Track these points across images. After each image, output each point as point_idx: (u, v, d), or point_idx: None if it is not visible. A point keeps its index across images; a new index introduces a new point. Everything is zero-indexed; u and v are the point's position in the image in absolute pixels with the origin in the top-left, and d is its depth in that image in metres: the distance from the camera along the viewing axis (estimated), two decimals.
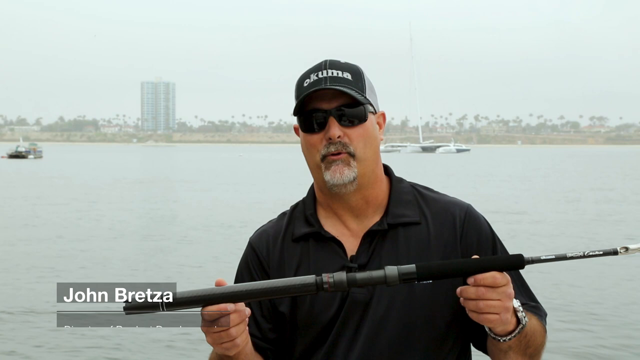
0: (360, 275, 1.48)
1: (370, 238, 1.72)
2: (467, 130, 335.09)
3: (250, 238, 1.84)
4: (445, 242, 1.71)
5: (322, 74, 1.69)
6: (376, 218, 1.74)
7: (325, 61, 1.72)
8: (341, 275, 1.47)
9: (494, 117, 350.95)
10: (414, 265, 1.48)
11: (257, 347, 1.71)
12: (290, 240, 1.78)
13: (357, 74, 1.71)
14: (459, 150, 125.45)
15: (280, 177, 43.46)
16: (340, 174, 1.67)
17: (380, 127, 1.77)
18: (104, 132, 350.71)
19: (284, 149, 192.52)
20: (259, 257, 1.79)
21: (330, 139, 1.66)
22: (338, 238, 1.73)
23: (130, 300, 1.48)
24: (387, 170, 1.82)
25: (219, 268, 12.65)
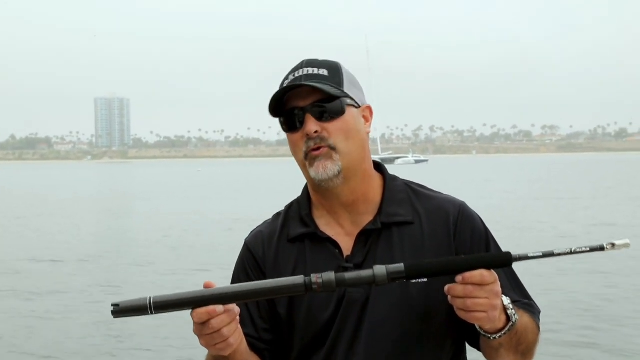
0: (349, 275, 1.48)
1: (365, 237, 1.72)
2: (423, 141, 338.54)
3: (245, 239, 1.84)
4: (440, 240, 1.71)
5: (298, 73, 1.70)
6: (370, 217, 1.74)
7: (303, 60, 1.73)
8: (330, 276, 1.47)
9: (449, 128, 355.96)
10: (402, 264, 1.48)
11: (253, 348, 1.71)
12: (285, 240, 1.78)
13: (335, 69, 1.71)
14: (417, 161, 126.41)
15: (243, 191, 43.23)
16: (323, 168, 1.67)
17: (367, 121, 1.77)
18: (58, 149, 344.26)
19: (242, 163, 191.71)
20: (255, 257, 1.79)
21: (307, 134, 1.68)
22: (334, 238, 1.73)
23: (118, 303, 1.46)
24: (380, 167, 1.82)
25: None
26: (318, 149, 1.67)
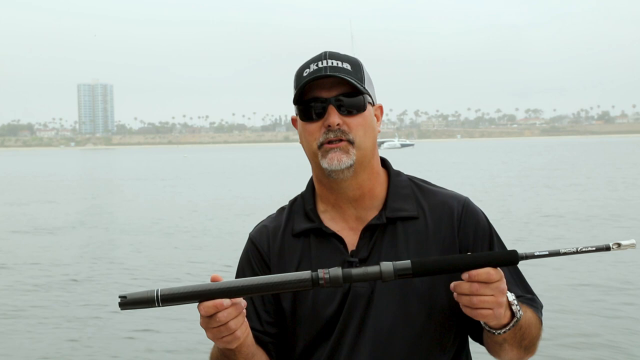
0: (355, 271, 1.49)
1: (370, 232, 1.73)
2: (408, 125, 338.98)
3: (250, 233, 1.85)
4: (444, 235, 1.72)
5: (322, 64, 1.70)
6: (374, 212, 1.75)
7: (325, 52, 1.73)
8: (337, 271, 1.48)
9: (434, 112, 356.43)
10: (409, 261, 1.49)
11: (258, 341, 1.72)
12: (290, 235, 1.79)
13: (357, 66, 1.72)
14: (403, 145, 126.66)
15: (231, 176, 43.14)
16: (338, 160, 1.68)
17: (378, 120, 1.79)
18: (40, 136, 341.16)
19: (227, 149, 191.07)
20: (260, 251, 1.80)
21: (329, 126, 1.67)
22: (338, 233, 1.74)
23: (126, 295, 1.48)
24: (385, 163, 1.83)
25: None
26: (337, 141, 1.68)
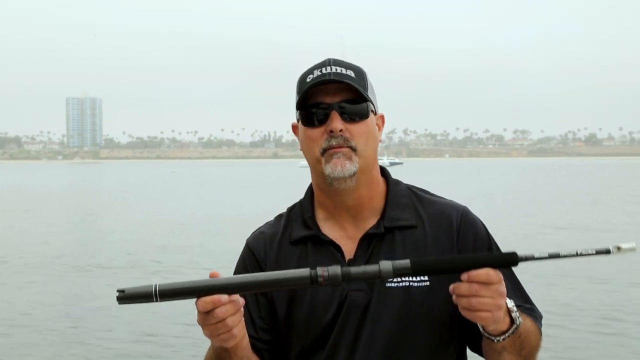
0: (354, 269, 1.48)
1: (368, 241, 1.71)
2: (397, 143, 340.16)
3: (247, 239, 1.83)
4: (442, 245, 1.71)
5: (325, 70, 1.68)
6: (373, 221, 1.73)
7: (329, 59, 1.72)
8: (335, 269, 1.46)
9: (422, 131, 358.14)
10: (408, 260, 1.48)
11: (252, 347, 1.69)
12: (287, 242, 1.77)
13: (360, 74, 1.72)
14: (392, 164, 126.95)
15: (224, 192, 43.02)
16: (341, 166, 1.65)
17: (380, 129, 1.78)
18: (28, 149, 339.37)
19: (216, 164, 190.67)
20: (257, 257, 1.78)
21: (331, 132, 1.66)
22: (336, 241, 1.73)
23: (124, 290, 1.47)
24: (383, 172, 1.82)
25: None
26: (339, 147, 1.66)
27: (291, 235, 1.77)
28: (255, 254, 1.79)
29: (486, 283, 1.46)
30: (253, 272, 1.75)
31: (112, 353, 8.39)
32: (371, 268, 1.47)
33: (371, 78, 1.76)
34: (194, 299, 1.47)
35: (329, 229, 1.75)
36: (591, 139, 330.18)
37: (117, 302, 1.46)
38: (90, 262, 15.33)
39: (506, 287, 1.54)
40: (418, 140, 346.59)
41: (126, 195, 40.85)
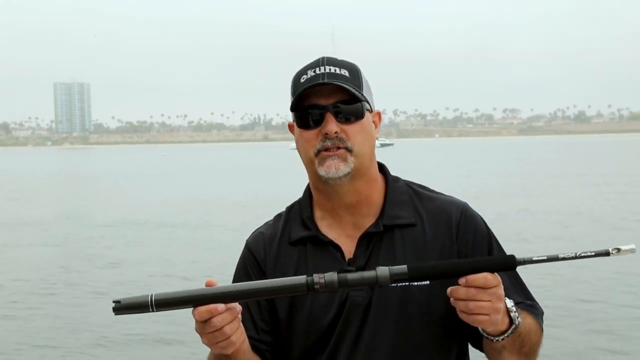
0: (351, 275, 1.47)
1: (367, 240, 1.72)
2: (387, 124, 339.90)
3: (247, 240, 1.84)
4: (442, 242, 1.71)
5: (319, 70, 1.68)
6: (372, 219, 1.74)
7: (323, 58, 1.72)
8: (332, 276, 1.46)
9: (412, 112, 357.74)
10: (405, 266, 1.48)
11: (254, 349, 1.70)
12: (287, 243, 1.78)
13: (355, 72, 1.71)
14: (383, 145, 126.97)
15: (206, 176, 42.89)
16: (335, 168, 1.66)
17: (376, 126, 1.78)
18: (16, 135, 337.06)
19: (206, 148, 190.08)
20: (257, 258, 1.79)
21: (326, 134, 1.66)
22: (335, 241, 1.73)
23: (120, 300, 1.46)
24: (382, 168, 1.82)
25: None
26: (335, 149, 1.66)
27: (290, 236, 1.78)
28: (255, 254, 1.79)
29: (484, 287, 1.47)
30: (253, 272, 1.78)
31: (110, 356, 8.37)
32: (368, 274, 1.47)
33: (365, 72, 1.74)
34: (191, 308, 1.47)
35: (327, 228, 1.75)
36: (580, 116, 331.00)
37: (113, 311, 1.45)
38: (82, 255, 15.28)
39: (507, 283, 1.55)
40: (408, 121, 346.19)
41: (121, 181, 40.62)
